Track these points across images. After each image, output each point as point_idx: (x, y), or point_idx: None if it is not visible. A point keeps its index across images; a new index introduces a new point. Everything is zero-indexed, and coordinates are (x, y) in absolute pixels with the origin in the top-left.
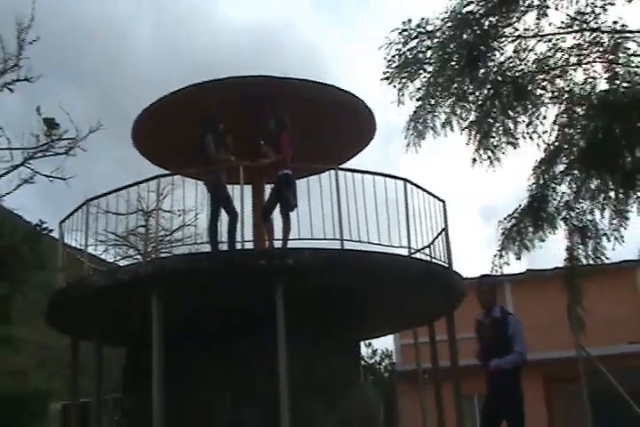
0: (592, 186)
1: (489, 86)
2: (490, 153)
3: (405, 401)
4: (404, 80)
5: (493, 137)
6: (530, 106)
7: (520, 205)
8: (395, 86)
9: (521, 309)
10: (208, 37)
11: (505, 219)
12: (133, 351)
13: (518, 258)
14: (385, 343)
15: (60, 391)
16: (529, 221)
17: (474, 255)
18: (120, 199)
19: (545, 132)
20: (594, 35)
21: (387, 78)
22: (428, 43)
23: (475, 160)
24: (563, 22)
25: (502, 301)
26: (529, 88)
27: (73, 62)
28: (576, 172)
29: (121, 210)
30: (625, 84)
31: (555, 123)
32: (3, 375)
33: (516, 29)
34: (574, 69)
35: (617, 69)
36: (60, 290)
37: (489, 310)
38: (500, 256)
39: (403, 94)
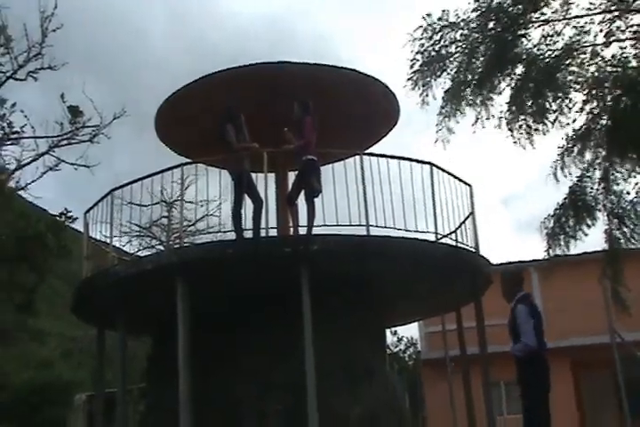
0: (624, 168)
1: (518, 76)
2: (524, 133)
3: (430, 389)
4: (427, 80)
5: (525, 120)
6: (559, 93)
7: (559, 202)
8: (420, 87)
9: (548, 295)
10: (220, 28)
11: (546, 219)
12: (159, 341)
13: (567, 250)
14: (410, 332)
15: (86, 382)
16: (570, 214)
17: (497, 242)
18: (143, 190)
19: (574, 120)
20: (623, 15)
21: (410, 79)
22: (452, 35)
23: (514, 141)
24: (591, 3)
25: (529, 287)
26: (557, 75)
27: (89, 54)
28: (604, 153)
29: (144, 201)
30: None
31: (582, 109)
32: (28, 367)
33: (544, 14)
34: (602, 51)
35: None
36: (86, 280)
37: (511, 299)
38: (548, 254)
39: (427, 95)
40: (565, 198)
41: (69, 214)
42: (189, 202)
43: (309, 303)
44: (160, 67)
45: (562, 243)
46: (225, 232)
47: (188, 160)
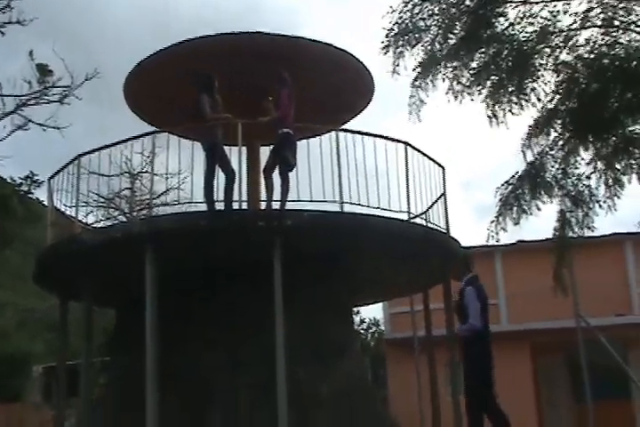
0: (588, 152)
1: (492, 54)
2: (499, 111)
3: (393, 369)
4: (400, 49)
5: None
6: (530, 75)
7: (518, 172)
8: (392, 55)
9: (510, 279)
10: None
11: (502, 185)
12: (123, 313)
13: (517, 223)
14: (371, 313)
15: (42, 354)
16: (527, 187)
17: (458, 225)
18: (106, 159)
19: (550, 100)
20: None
21: (384, 47)
22: (430, 9)
23: (490, 119)
24: None
25: (492, 271)
26: (530, 58)
27: (50, 18)
28: (568, 135)
29: (106, 171)
30: (625, 49)
31: (555, 91)
32: None
33: None
34: (576, 35)
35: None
36: (50, 247)
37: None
38: (498, 223)
39: (398, 64)
40: (525, 170)
41: (35, 178)
42: (155, 174)
43: (281, 278)
44: (121, 37)
45: (514, 215)
46: (188, 204)
47: (157, 129)
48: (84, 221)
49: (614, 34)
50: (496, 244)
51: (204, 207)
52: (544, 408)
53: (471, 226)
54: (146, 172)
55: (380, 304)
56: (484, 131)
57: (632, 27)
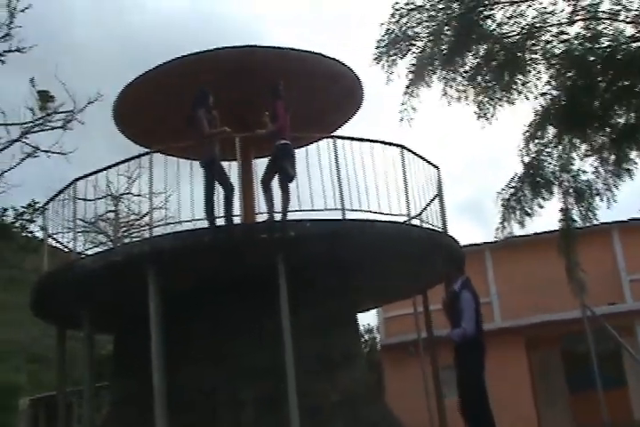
0: (583, 146)
1: (482, 54)
2: (488, 107)
3: (390, 374)
4: (393, 58)
5: (489, 93)
6: (522, 72)
7: (516, 174)
8: (384, 65)
9: (500, 276)
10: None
11: (503, 189)
12: (122, 337)
13: (522, 226)
14: (365, 319)
15: (25, 386)
16: (527, 187)
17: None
18: (88, 185)
19: (543, 94)
20: None
21: (375, 59)
22: (418, 17)
23: (479, 116)
24: None
25: (482, 268)
26: (519, 55)
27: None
28: (563, 130)
29: (89, 194)
30: (607, 43)
31: (546, 86)
32: None
33: None
34: (562, 32)
35: (598, 28)
36: (47, 275)
37: (451, 282)
38: (504, 228)
39: (392, 72)
40: (524, 172)
41: (37, 206)
42: (138, 195)
43: (286, 290)
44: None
45: (518, 217)
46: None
47: (149, 149)
48: (69, 246)
49: (600, 26)
50: (484, 241)
51: (196, 225)
52: (541, 401)
53: (453, 223)
54: (129, 193)
55: (374, 310)
56: (465, 127)
57: (618, 18)
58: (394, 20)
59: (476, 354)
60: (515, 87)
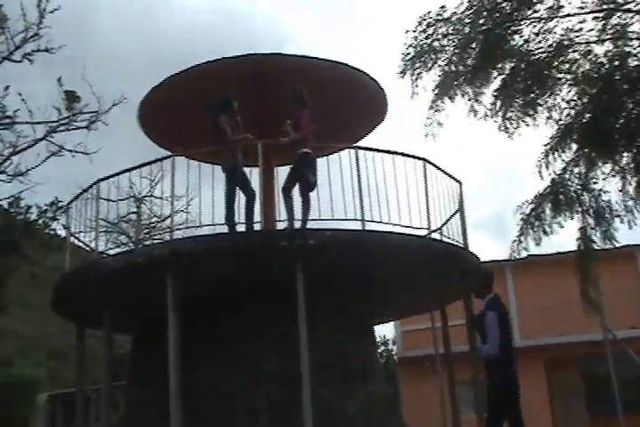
0: (606, 166)
1: (508, 72)
2: (512, 123)
3: (406, 387)
4: (418, 71)
5: (513, 111)
6: (548, 89)
7: (539, 191)
8: (410, 77)
9: (521, 295)
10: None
11: (523, 204)
12: (141, 337)
13: (538, 244)
14: (381, 331)
15: (44, 382)
16: (548, 205)
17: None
18: (111, 186)
19: (567, 114)
20: (613, 14)
21: (401, 71)
22: (445, 29)
23: (504, 132)
24: (582, 2)
25: (503, 286)
26: (546, 72)
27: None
28: (586, 150)
29: (112, 195)
30: (635, 62)
31: (573, 105)
32: None
33: (536, 11)
34: (590, 50)
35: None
36: (69, 274)
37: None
38: (520, 242)
39: (417, 85)
40: (546, 189)
41: (60, 204)
42: (159, 198)
43: (304, 298)
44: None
45: (535, 234)
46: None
47: (171, 153)
48: (91, 245)
49: (628, 45)
50: (506, 258)
51: (216, 229)
52: (559, 423)
53: (474, 238)
54: (151, 195)
55: (391, 323)
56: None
57: None
58: (420, 29)
59: (501, 371)
60: (540, 104)
